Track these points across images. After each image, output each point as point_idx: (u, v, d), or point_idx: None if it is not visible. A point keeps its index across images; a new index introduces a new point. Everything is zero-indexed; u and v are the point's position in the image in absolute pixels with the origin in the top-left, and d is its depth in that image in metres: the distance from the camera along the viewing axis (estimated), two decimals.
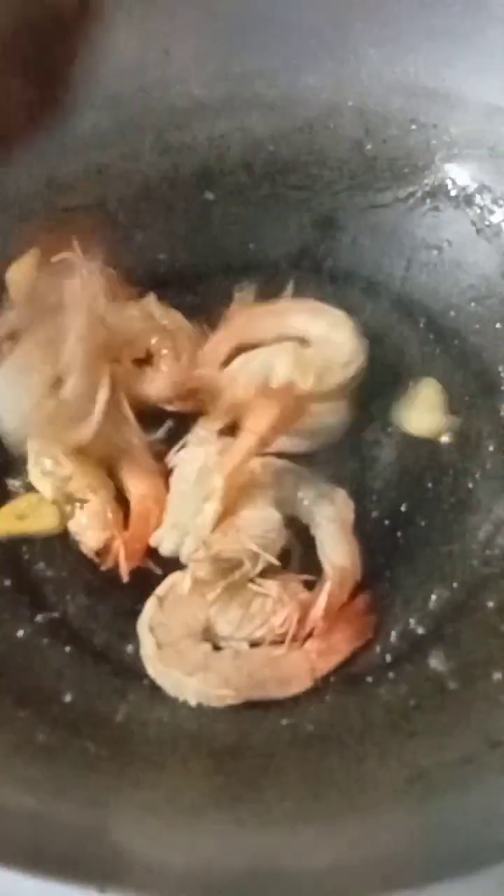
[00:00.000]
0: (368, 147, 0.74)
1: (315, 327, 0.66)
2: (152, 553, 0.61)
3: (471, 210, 0.73)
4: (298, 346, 0.66)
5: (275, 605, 0.59)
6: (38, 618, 0.60)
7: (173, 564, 0.61)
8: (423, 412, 0.68)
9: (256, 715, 0.57)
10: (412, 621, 0.62)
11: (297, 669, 0.58)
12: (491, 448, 0.67)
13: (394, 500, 0.66)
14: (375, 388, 0.68)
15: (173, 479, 0.63)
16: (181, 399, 0.66)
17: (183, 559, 0.60)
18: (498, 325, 0.70)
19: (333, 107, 0.73)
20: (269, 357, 0.66)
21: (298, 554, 0.63)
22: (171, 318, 0.67)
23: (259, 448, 0.61)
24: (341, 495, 0.64)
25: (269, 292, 0.71)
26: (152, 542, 0.61)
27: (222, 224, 0.75)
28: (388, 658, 0.60)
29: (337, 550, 0.62)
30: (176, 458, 0.64)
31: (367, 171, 0.74)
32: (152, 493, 0.62)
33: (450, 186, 0.73)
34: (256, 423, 0.61)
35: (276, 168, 0.74)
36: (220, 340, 0.68)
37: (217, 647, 0.59)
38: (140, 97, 0.73)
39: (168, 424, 0.66)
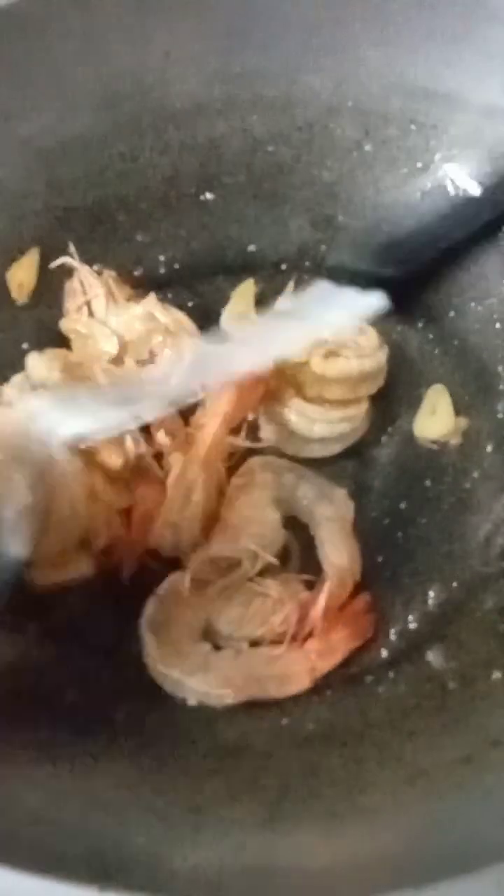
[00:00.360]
0: (368, 147, 0.74)
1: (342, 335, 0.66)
2: (154, 554, 0.62)
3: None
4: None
5: (274, 604, 0.59)
6: (39, 618, 0.60)
7: (173, 565, 0.61)
8: (432, 417, 0.68)
9: (256, 715, 0.57)
10: (412, 620, 0.62)
11: (296, 669, 0.58)
12: (490, 448, 0.67)
13: (393, 499, 0.66)
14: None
15: (168, 481, 0.63)
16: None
17: (182, 556, 0.60)
18: (498, 325, 0.70)
19: (333, 107, 0.73)
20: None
21: (298, 553, 0.63)
22: (173, 318, 0.67)
23: (224, 428, 0.61)
24: (341, 495, 0.64)
25: (269, 292, 0.71)
26: (152, 542, 0.61)
27: (222, 224, 0.75)
28: (388, 658, 0.60)
29: (336, 550, 0.62)
30: (172, 458, 0.64)
31: (367, 172, 0.74)
32: (152, 495, 0.62)
33: (449, 186, 0.73)
34: (217, 405, 0.62)
35: (276, 168, 0.74)
36: None
37: (217, 647, 0.59)
38: (140, 97, 0.73)
39: None
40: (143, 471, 0.62)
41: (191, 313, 0.69)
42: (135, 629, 0.59)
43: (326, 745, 0.55)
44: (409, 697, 0.57)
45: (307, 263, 0.74)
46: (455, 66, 0.70)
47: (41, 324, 0.70)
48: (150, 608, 0.59)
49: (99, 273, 0.69)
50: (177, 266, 0.74)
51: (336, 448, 0.67)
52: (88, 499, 0.58)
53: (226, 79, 0.73)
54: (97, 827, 0.48)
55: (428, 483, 0.67)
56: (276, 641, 0.59)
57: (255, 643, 0.59)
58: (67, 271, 0.70)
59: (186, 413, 0.64)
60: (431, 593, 0.63)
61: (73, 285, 0.70)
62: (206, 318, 0.70)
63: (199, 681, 0.57)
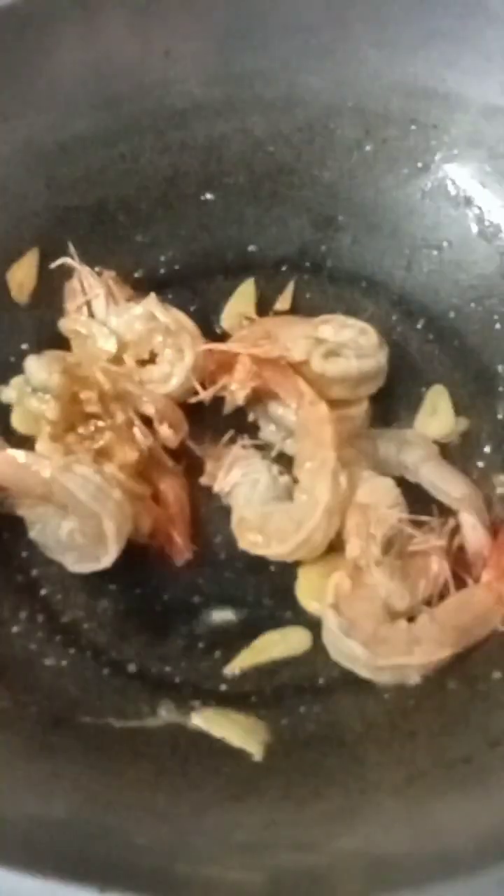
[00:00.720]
0: (368, 147, 0.74)
1: (342, 335, 0.66)
2: (153, 552, 0.62)
3: (471, 210, 0.73)
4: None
5: (425, 559, 0.59)
6: (39, 618, 0.60)
7: (174, 565, 0.61)
8: (432, 417, 0.68)
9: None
10: None
11: (488, 603, 0.59)
12: (489, 448, 0.67)
13: None
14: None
15: (234, 500, 0.63)
16: (210, 378, 0.65)
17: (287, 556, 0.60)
18: (498, 326, 0.70)
19: (333, 107, 0.73)
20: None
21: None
22: (173, 318, 0.67)
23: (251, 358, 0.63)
24: (412, 435, 0.65)
25: (269, 292, 0.71)
26: (249, 548, 0.61)
27: (222, 224, 0.75)
28: None
29: (450, 483, 0.63)
30: (227, 481, 0.63)
31: (367, 172, 0.74)
32: (174, 489, 0.63)
33: (450, 186, 0.73)
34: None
35: (276, 168, 0.74)
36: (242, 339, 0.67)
37: (410, 619, 0.58)
38: (140, 97, 0.73)
39: None
40: (154, 460, 0.63)
41: (191, 313, 0.69)
42: (134, 629, 0.60)
43: (326, 746, 0.55)
44: (409, 698, 0.56)
45: (307, 263, 0.74)
46: (455, 66, 0.71)
47: (41, 324, 0.70)
48: (331, 621, 0.57)
49: (99, 273, 0.69)
50: (177, 266, 0.74)
51: None
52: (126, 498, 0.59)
53: (226, 79, 0.73)
54: (98, 828, 0.48)
55: None
56: (442, 594, 0.59)
57: (427, 603, 0.59)
58: (67, 271, 0.70)
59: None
60: None
61: (73, 285, 0.70)
62: (206, 319, 0.70)
63: (420, 654, 0.56)
